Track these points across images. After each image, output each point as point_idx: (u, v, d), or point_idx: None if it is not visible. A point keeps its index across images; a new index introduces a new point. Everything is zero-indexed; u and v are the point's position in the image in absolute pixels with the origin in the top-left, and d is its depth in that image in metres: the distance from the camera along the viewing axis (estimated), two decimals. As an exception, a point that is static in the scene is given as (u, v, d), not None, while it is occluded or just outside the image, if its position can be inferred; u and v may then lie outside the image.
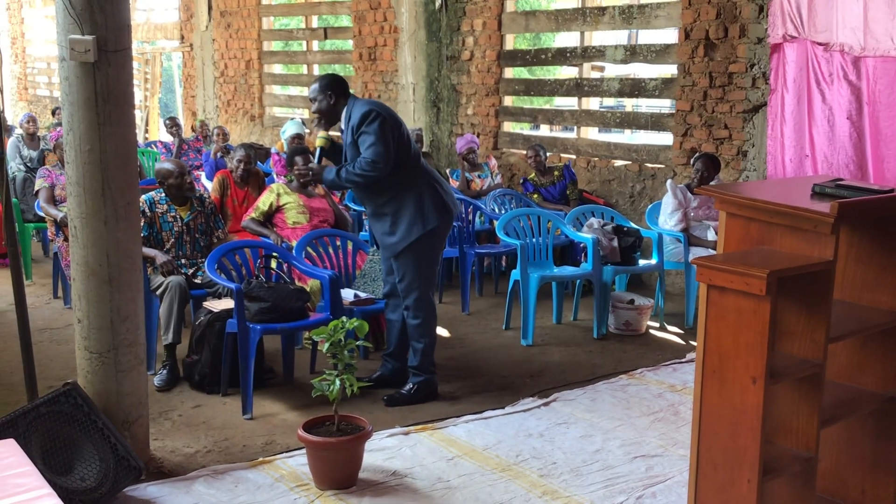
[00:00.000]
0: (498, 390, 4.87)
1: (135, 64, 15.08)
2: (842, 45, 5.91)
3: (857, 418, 3.18)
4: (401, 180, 4.50)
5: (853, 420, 3.18)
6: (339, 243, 5.59)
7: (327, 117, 4.58)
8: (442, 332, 5.95)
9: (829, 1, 5.95)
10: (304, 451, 3.74)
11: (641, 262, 6.25)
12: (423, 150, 8.69)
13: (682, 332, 6.11)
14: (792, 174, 6.23)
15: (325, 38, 11.44)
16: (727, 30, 6.75)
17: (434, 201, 4.55)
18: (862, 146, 5.92)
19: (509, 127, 9.13)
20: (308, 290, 4.98)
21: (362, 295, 5.15)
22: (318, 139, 4.72)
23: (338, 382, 3.58)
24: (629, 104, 15.08)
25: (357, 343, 3.75)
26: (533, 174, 7.70)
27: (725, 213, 2.98)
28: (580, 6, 8.29)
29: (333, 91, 4.54)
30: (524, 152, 8.14)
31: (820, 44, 6.04)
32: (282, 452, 3.96)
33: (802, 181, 3.47)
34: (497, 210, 7.38)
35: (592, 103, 8.69)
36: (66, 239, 5.95)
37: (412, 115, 9.74)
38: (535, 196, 7.55)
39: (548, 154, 7.87)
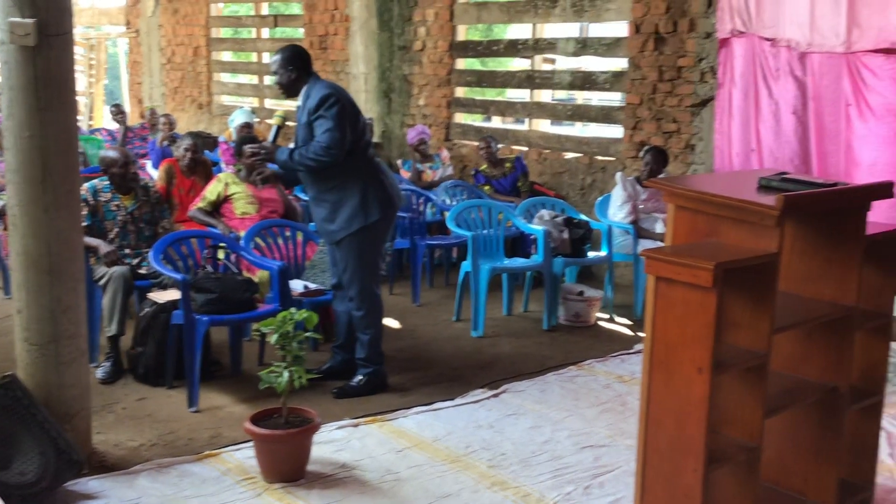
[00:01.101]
0: (448, 382, 4.86)
1: (79, 49, 14.77)
2: (788, 41, 6.00)
3: (801, 408, 3.23)
4: (348, 169, 4.45)
5: (796, 410, 3.22)
6: (288, 234, 5.53)
7: (287, 90, 4.54)
8: (392, 323, 5.93)
9: (777, -3, 6.03)
10: (251, 443, 3.70)
11: (591, 254, 6.29)
12: (375, 140, 8.64)
13: (630, 323, 6.17)
14: (738, 168, 6.31)
15: (276, 25, 11.30)
16: (676, 24, 6.81)
17: (378, 194, 4.51)
18: (807, 141, 6.02)
19: (461, 118, 9.12)
20: (256, 280, 4.92)
21: (311, 286, 5.10)
22: (274, 118, 4.66)
23: (286, 374, 3.55)
24: (580, 97, 15.17)
25: (306, 334, 3.71)
26: (484, 166, 7.70)
27: (674, 206, 2.99)
28: (532, -2, 8.31)
29: (295, 65, 4.48)
30: (476, 144, 8.14)
31: (767, 39, 6.12)
32: (228, 445, 3.91)
33: (749, 175, 3.51)
34: (448, 201, 7.37)
35: (544, 96, 8.71)
36: (5, 228, 5.79)
37: (363, 105, 9.66)
38: (487, 188, 7.55)
39: (499, 146, 7.87)
